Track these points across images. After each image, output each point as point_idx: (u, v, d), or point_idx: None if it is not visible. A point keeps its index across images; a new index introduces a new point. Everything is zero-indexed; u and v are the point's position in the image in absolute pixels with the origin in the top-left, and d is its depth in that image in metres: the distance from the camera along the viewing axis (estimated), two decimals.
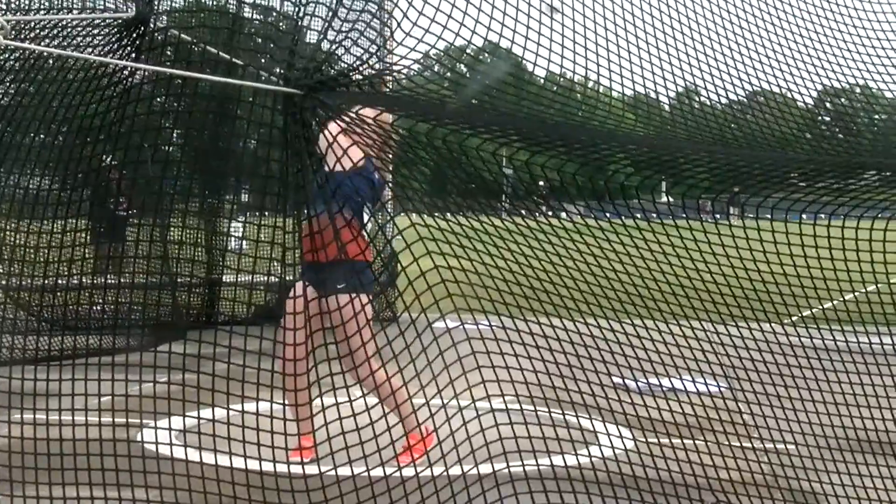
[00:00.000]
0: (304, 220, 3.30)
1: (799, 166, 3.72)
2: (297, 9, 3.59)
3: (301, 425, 4.13)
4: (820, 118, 4.65)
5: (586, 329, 3.36)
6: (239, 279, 5.35)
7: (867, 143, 4.19)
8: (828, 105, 4.56)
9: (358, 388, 3.31)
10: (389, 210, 4.82)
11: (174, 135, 4.13)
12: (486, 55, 4.07)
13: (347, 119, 3.25)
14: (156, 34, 3.52)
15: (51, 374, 3.33)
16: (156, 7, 3.42)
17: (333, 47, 3.53)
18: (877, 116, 4.30)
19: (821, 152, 4.06)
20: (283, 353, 3.38)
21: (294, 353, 3.41)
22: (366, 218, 4.37)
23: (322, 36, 3.51)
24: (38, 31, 3.73)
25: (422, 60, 3.45)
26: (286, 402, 3.47)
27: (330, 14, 3.49)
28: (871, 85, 4.09)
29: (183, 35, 3.60)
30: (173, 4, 3.60)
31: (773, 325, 3.65)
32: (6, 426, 3.32)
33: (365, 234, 4.33)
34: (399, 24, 3.23)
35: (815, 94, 4.19)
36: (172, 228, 4.20)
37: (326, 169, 3.46)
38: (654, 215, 3.52)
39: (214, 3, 3.53)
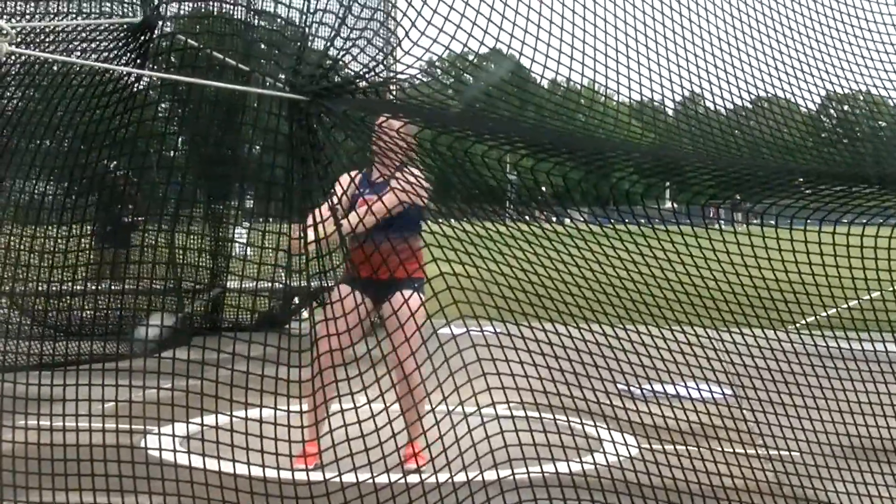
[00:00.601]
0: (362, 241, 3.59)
1: (803, 174, 3.70)
2: (303, 16, 3.58)
3: (307, 432, 4.12)
4: (824, 124, 4.64)
5: (591, 336, 3.34)
6: (244, 285, 5.33)
7: (870, 150, 4.18)
8: (831, 111, 4.55)
9: (366, 393, 3.29)
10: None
11: (180, 140, 4.12)
12: (491, 62, 4.07)
13: (375, 130, 3.32)
14: (162, 40, 3.51)
15: (55, 381, 3.31)
16: (162, 13, 3.42)
17: (340, 54, 3.53)
18: (881, 122, 4.29)
19: (824, 158, 4.05)
20: (319, 358, 3.37)
21: (332, 360, 3.38)
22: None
23: (329, 43, 3.51)
24: (44, 36, 3.72)
25: (427, 68, 3.45)
26: (306, 406, 3.51)
27: (338, 21, 3.48)
28: (874, 92, 4.08)
29: (189, 41, 3.59)
30: (180, 10, 3.58)
31: (777, 331, 3.63)
32: (11, 432, 3.30)
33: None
34: (407, 33, 3.22)
35: (818, 100, 4.18)
36: (178, 234, 4.20)
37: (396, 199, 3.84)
38: (659, 221, 3.51)
39: (221, 9, 3.53)
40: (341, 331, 3.36)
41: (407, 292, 4.29)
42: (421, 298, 4.28)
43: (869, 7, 4.10)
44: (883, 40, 4.05)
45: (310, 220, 3.20)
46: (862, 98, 4.22)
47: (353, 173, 4.14)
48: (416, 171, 3.96)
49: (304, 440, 4.26)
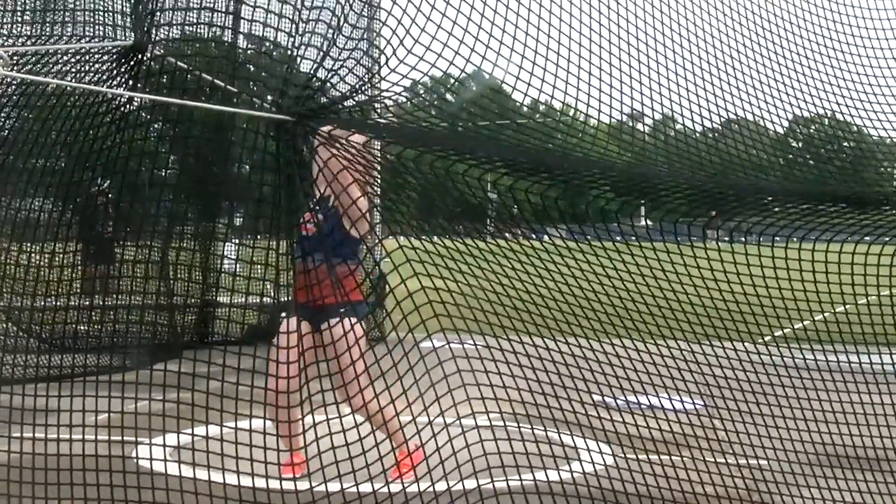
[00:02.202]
0: (299, 264, 3.51)
1: (772, 192, 3.79)
2: (291, 39, 3.65)
3: (292, 442, 4.16)
4: (791, 145, 4.75)
5: (568, 349, 3.40)
6: (232, 300, 5.37)
7: (835, 171, 4.28)
8: (798, 133, 4.65)
9: (346, 406, 3.35)
10: (378, 233, 4.88)
11: (170, 160, 4.18)
12: (472, 83, 4.15)
13: (337, 145, 3.32)
14: (152, 62, 3.57)
15: (48, 393, 3.35)
16: (152, 36, 3.48)
17: (328, 75, 3.59)
18: (845, 144, 4.39)
19: (792, 178, 4.14)
20: (276, 384, 3.45)
21: (287, 386, 3.49)
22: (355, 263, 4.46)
23: (315, 65, 3.57)
24: (37, 58, 3.78)
25: (410, 88, 3.52)
26: (276, 421, 3.55)
27: (325, 44, 3.54)
28: (839, 115, 4.18)
29: (179, 63, 3.65)
30: (170, 33, 3.65)
31: (746, 344, 3.71)
32: (4, 443, 3.34)
33: (358, 274, 4.44)
34: (394, 52, 3.29)
35: (786, 122, 4.28)
36: (168, 251, 4.25)
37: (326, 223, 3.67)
38: (634, 238, 3.59)
39: (210, 32, 3.60)
40: (292, 360, 3.42)
41: (333, 321, 4.20)
42: (350, 321, 4.15)
43: (834, 35, 4.21)
44: (847, 68, 4.16)
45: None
46: (827, 121, 4.33)
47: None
48: (357, 192, 3.87)
49: (291, 450, 4.31)
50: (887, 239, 3.45)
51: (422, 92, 3.81)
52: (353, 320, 4.19)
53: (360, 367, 3.66)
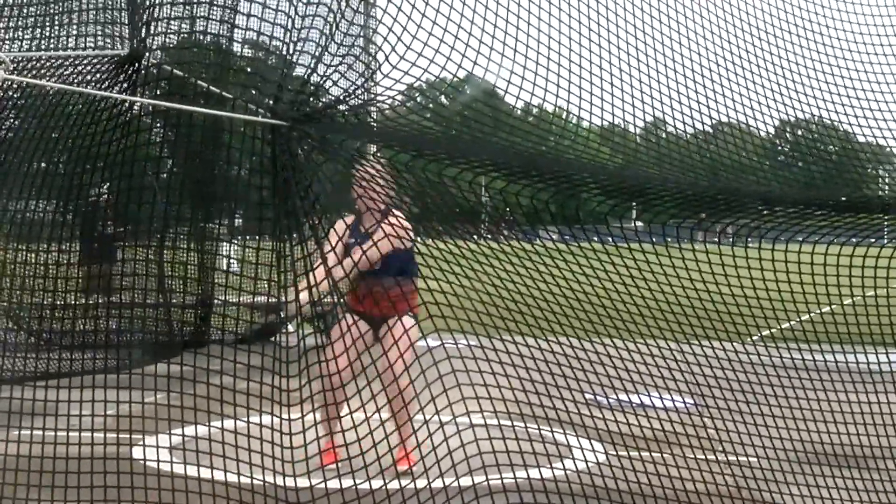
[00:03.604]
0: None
1: (760, 195, 3.82)
2: (285, 44, 3.67)
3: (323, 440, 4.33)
4: (779, 148, 4.77)
5: (560, 348, 3.43)
6: (231, 300, 5.45)
7: (823, 173, 4.31)
8: (787, 135, 4.68)
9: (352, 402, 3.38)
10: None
11: (170, 164, 4.21)
12: (466, 87, 4.17)
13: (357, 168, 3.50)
14: (150, 69, 3.60)
15: (47, 393, 3.37)
16: (149, 44, 3.51)
17: (321, 80, 3.60)
18: (832, 147, 4.42)
19: (780, 180, 4.16)
20: (331, 378, 3.57)
21: (340, 380, 3.62)
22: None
23: (310, 70, 3.59)
24: (40, 63, 3.81)
25: (405, 92, 3.55)
26: (325, 405, 3.79)
27: (319, 49, 3.56)
28: (826, 118, 4.21)
29: (176, 70, 3.68)
30: (166, 41, 3.68)
31: (734, 343, 3.74)
32: (3, 443, 3.36)
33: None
34: (387, 57, 3.30)
35: (774, 125, 4.30)
36: (167, 251, 4.29)
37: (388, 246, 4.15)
38: (624, 240, 3.61)
39: (206, 39, 3.62)
40: (341, 351, 3.59)
41: (404, 319, 4.62)
42: (413, 322, 4.57)
43: (822, 39, 4.24)
44: (833, 72, 4.19)
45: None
46: (815, 124, 4.36)
47: (347, 220, 4.42)
48: (399, 214, 4.23)
49: (330, 433, 4.41)
50: (872, 241, 3.48)
51: (416, 95, 3.84)
52: (412, 321, 4.60)
53: (409, 357, 4.02)
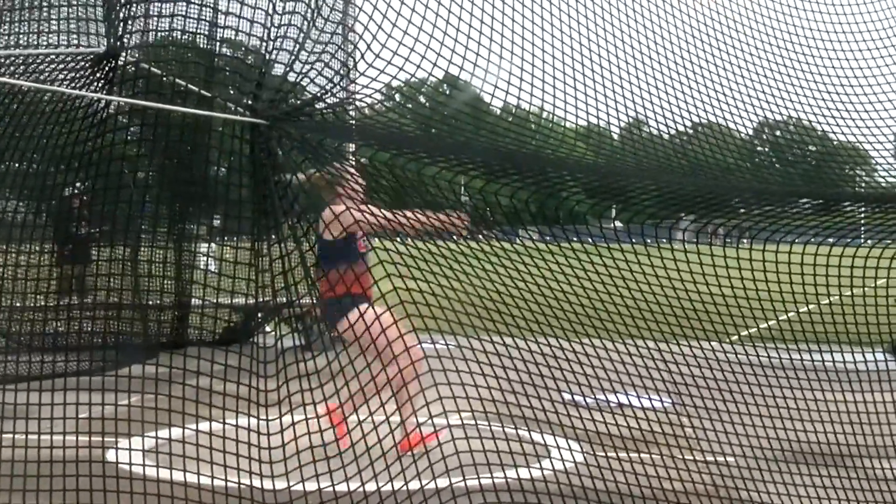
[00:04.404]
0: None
1: (739, 193, 3.85)
2: (263, 42, 3.66)
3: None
4: (759, 149, 4.81)
5: (538, 348, 3.45)
6: (208, 301, 5.35)
7: (802, 173, 4.35)
8: (765, 136, 4.72)
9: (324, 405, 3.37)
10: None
11: (147, 163, 4.20)
12: (446, 87, 4.18)
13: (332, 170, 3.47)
14: (127, 67, 3.58)
15: (22, 395, 3.35)
16: (126, 42, 3.49)
17: (298, 78, 3.60)
18: (811, 148, 4.47)
19: (760, 180, 4.20)
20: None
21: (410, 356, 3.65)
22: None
23: (288, 68, 3.58)
24: (13, 61, 3.78)
25: (383, 90, 3.55)
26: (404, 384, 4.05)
27: (296, 46, 3.56)
28: (804, 118, 4.26)
29: (153, 68, 3.67)
30: (144, 38, 3.66)
31: (713, 343, 3.77)
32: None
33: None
34: (363, 55, 3.31)
35: (753, 126, 4.35)
36: (143, 252, 4.25)
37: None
38: (603, 239, 3.63)
39: (184, 37, 3.61)
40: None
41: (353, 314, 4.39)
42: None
43: (799, 41, 4.28)
44: (812, 72, 4.24)
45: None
46: (793, 125, 4.40)
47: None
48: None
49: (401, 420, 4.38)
50: (849, 240, 3.52)
51: (395, 94, 3.85)
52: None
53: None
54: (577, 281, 3.51)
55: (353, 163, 3.75)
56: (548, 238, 3.64)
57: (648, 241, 3.67)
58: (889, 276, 3.37)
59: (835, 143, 4.33)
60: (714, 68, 4.10)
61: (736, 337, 3.89)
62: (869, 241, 3.61)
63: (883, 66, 4.25)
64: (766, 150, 4.80)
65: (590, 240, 3.64)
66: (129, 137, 3.77)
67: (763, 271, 3.53)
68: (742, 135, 4.31)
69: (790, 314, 3.82)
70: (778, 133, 4.59)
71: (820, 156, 4.46)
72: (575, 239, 3.61)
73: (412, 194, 3.45)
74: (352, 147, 3.71)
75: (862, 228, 3.58)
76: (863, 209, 3.82)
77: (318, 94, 3.57)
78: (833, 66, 4.25)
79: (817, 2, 4.30)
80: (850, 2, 4.33)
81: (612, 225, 3.98)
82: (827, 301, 3.67)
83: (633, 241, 3.61)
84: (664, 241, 3.58)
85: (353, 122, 3.59)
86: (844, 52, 4.28)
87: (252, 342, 4.13)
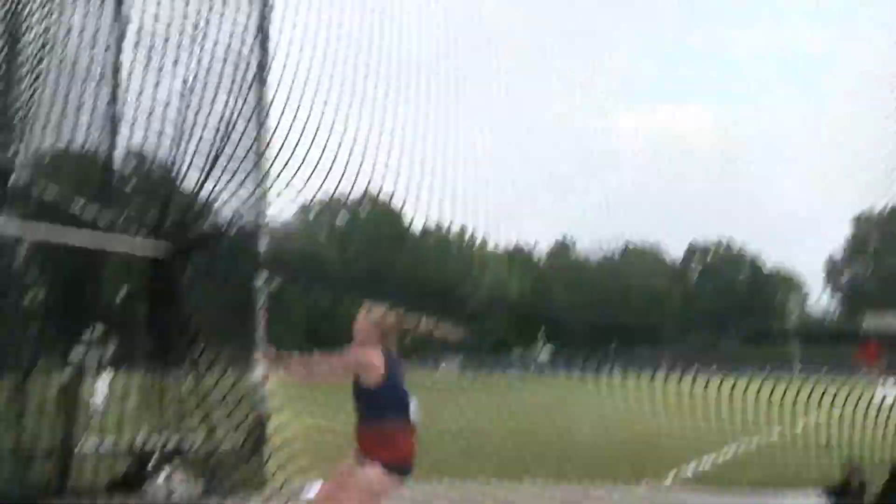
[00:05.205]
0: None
1: (668, 321, 3.76)
2: (170, 165, 3.50)
3: None
4: (689, 272, 4.78)
5: (459, 492, 3.23)
6: (97, 443, 4.72)
7: (732, 301, 4.31)
8: (694, 262, 4.70)
9: None
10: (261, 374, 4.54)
11: (39, 289, 3.91)
12: (363, 207, 4.07)
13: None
14: (19, 184, 3.36)
15: None
16: (17, 159, 3.27)
17: (207, 201, 3.45)
18: (741, 277, 4.45)
19: (690, 306, 4.13)
20: None
21: None
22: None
23: (196, 191, 3.44)
24: None
25: (298, 214, 3.41)
26: None
27: (205, 170, 3.42)
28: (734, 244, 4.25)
29: (50, 188, 3.44)
30: (41, 153, 3.45)
31: (647, 482, 3.59)
32: None
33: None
34: (277, 176, 3.20)
35: (683, 249, 4.31)
36: (28, 389, 3.87)
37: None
38: (532, 370, 3.48)
39: (85, 153, 3.43)
40: None
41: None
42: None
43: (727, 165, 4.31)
44: (741, 198, 4.25)
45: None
46: (723, 249, 4.39)
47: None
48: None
49: None
50: (781, 373, 3.42)
51: (311, 216, 3.71)
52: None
53: None
54: (504, 415, 3.34)
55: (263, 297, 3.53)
56: (469, 371, 3.47)
57: (578, 372, 3.53)
58: (819, 415, 3.26)
59: (767, 269, 4.32)
60: (646, 189, 4.08)
61: (669, 479, 3.70)
62: (801, 374, 3.53)
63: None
64: (697, 275, 4.78)
65: (516, 371, 3.48)
66: (17, 262, 3.49)
67: (689, 406, 3.40)
68: (670, 259, 4.27)
69: (725, 454, 3.67)
70: (709, 258, 4.57)
71: (751, 282, 4.44)
72: (500, 370, 3.45)
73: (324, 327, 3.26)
74: (262, 279, 3.51)
75: (795, 360, 3.51)
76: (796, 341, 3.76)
77: (227, 219, 3.40)
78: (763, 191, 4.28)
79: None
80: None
81: (539, 356, 3.84)
82: (759, 440, 3.55)
83: (564, 372, 3.46)
84: (594, 373, 3.45)
85: (264, 249, 3.42)
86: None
87: (143, 490, 3.79)
